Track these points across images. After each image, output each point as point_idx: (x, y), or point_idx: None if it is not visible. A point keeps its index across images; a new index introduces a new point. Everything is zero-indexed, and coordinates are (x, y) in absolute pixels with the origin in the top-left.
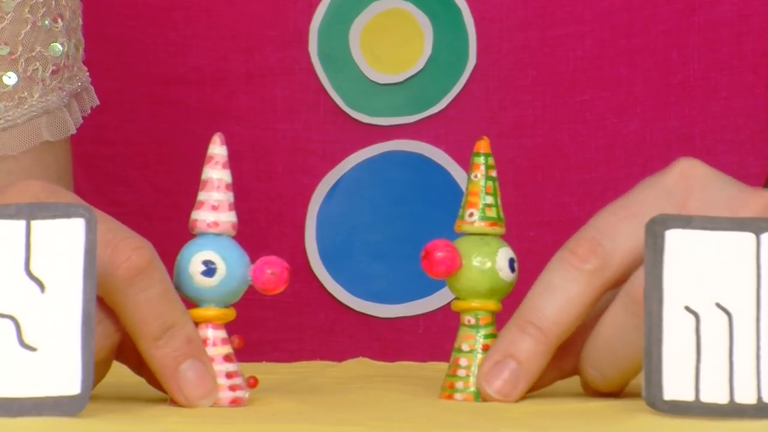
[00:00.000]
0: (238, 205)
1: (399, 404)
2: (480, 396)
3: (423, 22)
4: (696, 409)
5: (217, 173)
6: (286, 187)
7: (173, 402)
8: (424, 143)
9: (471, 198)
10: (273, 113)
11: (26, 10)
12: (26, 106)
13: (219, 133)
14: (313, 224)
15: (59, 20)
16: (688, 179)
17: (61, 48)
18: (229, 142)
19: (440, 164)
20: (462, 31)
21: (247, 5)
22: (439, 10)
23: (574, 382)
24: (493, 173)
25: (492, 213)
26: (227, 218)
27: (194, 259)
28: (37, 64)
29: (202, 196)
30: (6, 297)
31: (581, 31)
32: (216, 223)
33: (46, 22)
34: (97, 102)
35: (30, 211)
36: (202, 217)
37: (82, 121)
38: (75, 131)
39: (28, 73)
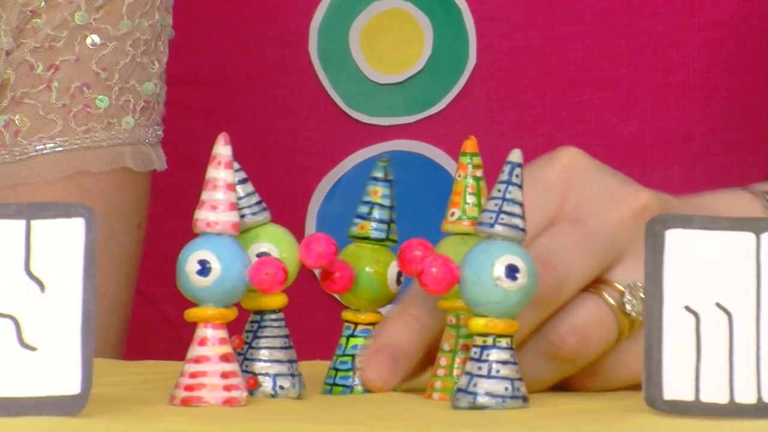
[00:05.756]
0: None
1: (399, 404)
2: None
3: (423, 22)
4: (696, 409)
5: (218, 173)
6: (286, 187)
7: (173, 401)
8: (424, 143)
9: (454, 197)
10: (273, 113)
11: (128, 44)
12: (113, 132)
13: (224, 133)
14: (313, 224)
15: (156, 63)
16: (569, 174)
17: (154, 88)
18: None
19: (440, 164)
20: (462, 31)
21: (247, 5)
22: (439, 10)
23: None
24: (478, 173)
25: (474, 212)
26: (227, 218)
27: (190, 259)
28: (130, 96)
29: (204, 195)
30: (6, 297)
31: (581, 31)
32: (215, 223)
33: (145, 60)
34: (165, 166)
35: (30, 211)
36: (202, 216)
37: (166, 167)
38: (158, 169)
39: (120, 102)
